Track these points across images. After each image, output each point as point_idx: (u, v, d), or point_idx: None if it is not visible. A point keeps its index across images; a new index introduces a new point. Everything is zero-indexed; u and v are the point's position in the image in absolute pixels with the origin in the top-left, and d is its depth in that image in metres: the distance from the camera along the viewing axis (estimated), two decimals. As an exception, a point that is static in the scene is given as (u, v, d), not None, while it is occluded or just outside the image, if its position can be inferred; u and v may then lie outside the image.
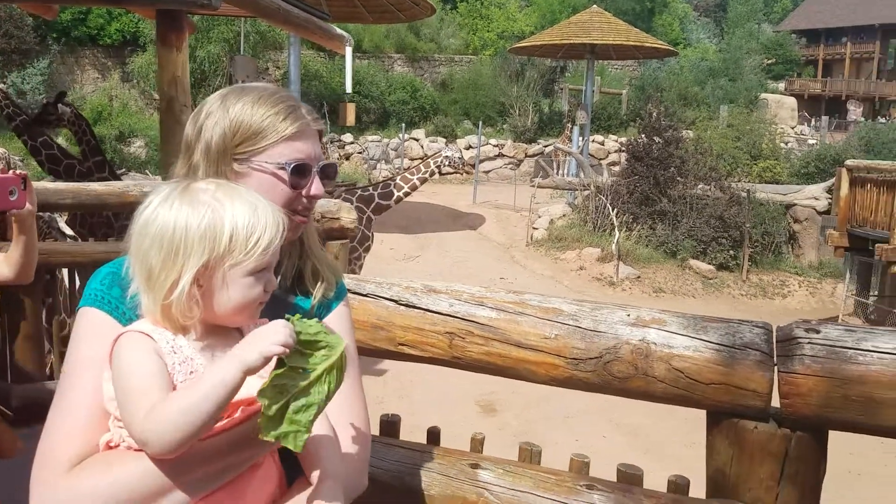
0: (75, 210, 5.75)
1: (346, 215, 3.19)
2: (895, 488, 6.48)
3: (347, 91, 11.66)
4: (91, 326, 1.15)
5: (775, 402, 1.41)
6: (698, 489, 1.54)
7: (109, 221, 7.71)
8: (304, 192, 1.23)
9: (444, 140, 27.06)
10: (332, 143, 25.50)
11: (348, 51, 9.43)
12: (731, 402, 1.42)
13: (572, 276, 14.26)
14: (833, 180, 15.06)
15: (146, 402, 0.98)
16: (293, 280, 1.32)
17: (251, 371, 0.97)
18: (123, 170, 16.86)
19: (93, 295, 1.18)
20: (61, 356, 3.72)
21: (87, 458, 1.07)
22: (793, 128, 31.75)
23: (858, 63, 39.79)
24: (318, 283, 1.33)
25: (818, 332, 1.37)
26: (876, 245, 12.58)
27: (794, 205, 16.68)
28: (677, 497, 1.49)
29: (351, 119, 14.06)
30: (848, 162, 14.27)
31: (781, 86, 37.20)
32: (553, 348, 1.57)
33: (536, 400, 7.79)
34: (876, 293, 14.67)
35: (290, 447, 0.98)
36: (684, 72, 32.22)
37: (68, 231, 4.01)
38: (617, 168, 21.26)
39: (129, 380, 1.01)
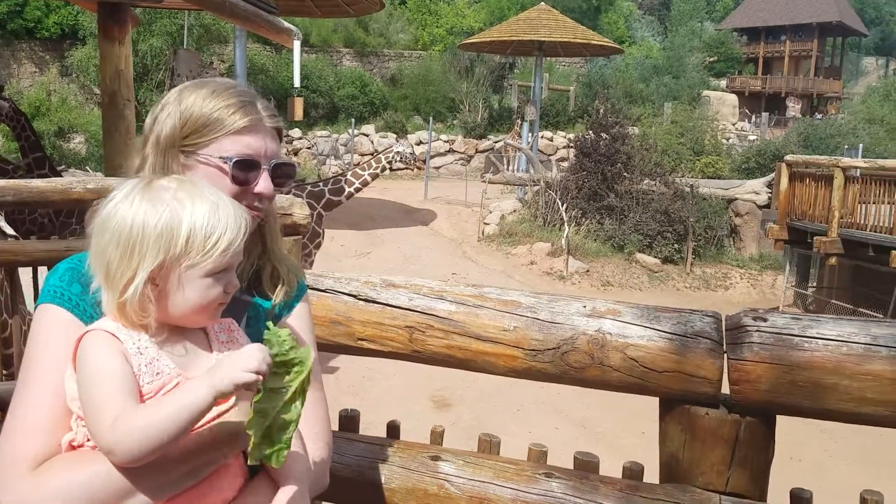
0: (15, 207, 5.57)
1: (299, 211, 3.16)
2: (832, 473, 6.76)
3: (295, 85, 11.52)
4: (51, 324, 1.13)
5: (726, 388, 1.47)
6: (651, 476, 1.59)
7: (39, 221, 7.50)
8: (252, 189, 1.20)
9: (395, 135, 26.98)
10: (280, 138, 25.13)
11: (296, 45, 9.31)
12: (683, 390, 1.46)
13: (523, 270, 14.41)
14: (773, 175, 15.55)
15: (111, 410, 0.97)
16: (250, 280, 1.30)
17: (222, 396, 0.96)
18: (63, 167, 16.32)
19: (52, 291, 1.15)
20: (3, 357, 3.59)
21: (52, 458, 1.05)
22: (734, 124, 32.67)
23: (797, 60, 41.15)
24: (279, 286, 1.31)
25: (765, 320, 1.42)
26: (814, 238, 13.05)
27: (736, 199, 17.18)
28: (632, 483, 1.53)
29: (299, 114, 13.90)
30: (787, 157, 14.74)
31: (723, 83, 38.24)
32: (512, 340, 1.59)
33: (489, 393, 7.86)
34: (814, 285, 15.24)
35: (273, 465, 1.00)
36: (630, 69, 32.83)
37: (9, 231, 3.88)
38: (566, 164, 21.54)
39: (95, 384, 0.99)
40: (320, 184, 9.46)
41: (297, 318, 1.33)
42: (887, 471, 6.95)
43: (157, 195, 1.04)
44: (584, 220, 16.04)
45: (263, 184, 1.21)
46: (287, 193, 3.19)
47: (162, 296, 1.04)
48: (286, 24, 8.79)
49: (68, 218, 7.78)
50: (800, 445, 6.87)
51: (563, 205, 15.67)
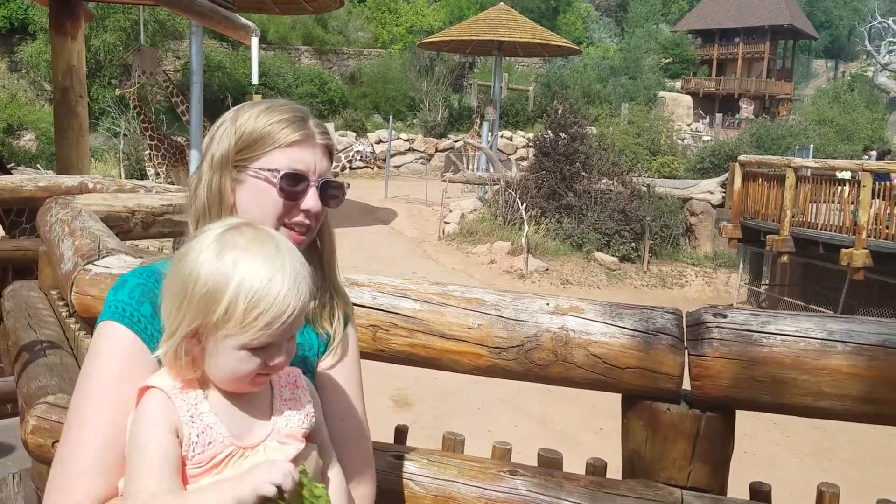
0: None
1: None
2: (784, 466, 6.94)
3: (253, 83, 11.35)
4: (116, 347, 1.07)
5: (687, 384, 1.48)
6: (613, 472, 1.60)
7: None
8: (299, 205, 1.18)
9: (355, 134, 26.81)
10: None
11: (254, 41, 9.17)
12: (646, 386, 1.48)
13: (483, 269, 14.47)
14: (727, 175, 15.89)
15: (146, 486, 0.95)
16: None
17: None
18: (13, 164, 15.83)
19: (119, 309, 1.09)
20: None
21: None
22: (689, 125, 33.32)
23: (750, 63, 42.11)
24: (334, 322, 1.28)
25: (725, 316, 1.44)
26: (767, 236, 13.39)
27: (691, 198, 17.52)
28: (596, 479, 1.54)
29: (257, 112, 13.68)
30: (740, 157, 15.09)
31: (678, 84, 38.95)
32: (476, 338, 1.59)
33: (449, 392, 7.87)
34: (767, 282, 15.63)
35: None
36: (587, 70, 33.20)
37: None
38: (525, 163, 21.70)
39: (138, 451, 0.97)
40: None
41: (346, 345, 1.31)
42: (835, 463, 7.17)
43: (224, 251, 0.98)
44: (543, 219, 16.18)
45: (311, 200, 1.18)
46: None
47: (200, 357, 0.99)
48: (243, 21, 8.66)
49: (18, 217, 7.53)
50: (752, 439, 7.04)
51: (522, 204, 15.78)
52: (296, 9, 13.92)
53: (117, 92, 17.44)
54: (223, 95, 23.79)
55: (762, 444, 7.29)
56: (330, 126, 27.29)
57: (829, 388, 1.39)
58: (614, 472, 1.60)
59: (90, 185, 4.69)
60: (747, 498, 1.55)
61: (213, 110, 23.34)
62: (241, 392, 1.03)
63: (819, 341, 1.39)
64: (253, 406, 1.04)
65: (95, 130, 20.39)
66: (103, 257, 2.16)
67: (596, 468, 1.62)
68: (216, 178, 1.17)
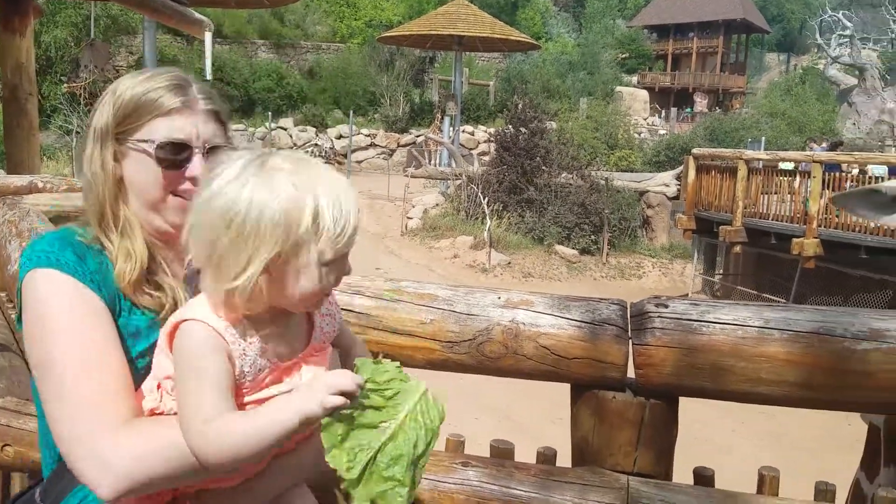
0: None
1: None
2: (738, 452, 7.12)
3: (207, 78, 11.18)
4: (63, 291, 1.07)
5: (632, 373, 1.53)
6: (564, 460, 1.64)
7: None
8: (184, 173, 1.15)
9: (314, 129, 26.62)
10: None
11: (208, 36, 9.04)
12: (593, 375, 1.52)
13: (446, 263, 14.51)
14: (681, 168, 16.19)
15: (206, 409, 0.96)
16: None
17: (311, 422, 0.93)
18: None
19: (44, 257, 1.08)
20: None
21: (134, 421, 1.03)
22: (645, 119, 33.81)
23: (704, 57, 42.86)
24: None
25: (667, 306, 1.49)
26: (720, 227, 13.68)
27: (647, 191, 17.82)
28: (546, 467, 1.58)
29: (213, 107, 13.49)
30: (694, 150, 15.38)
31: (634, 79, 39.47)
32: (429, 333, 1.61)
33: (414, 387, 7.89)
34: (721, 272, 15.98)
35: None
36: (546, 65, 33.44)
37: None
38: (487, 158, 21.78)
39: (194, 378, 0.97)
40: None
41: None
42: (787, 448, 7.38)
43: (274, 177, 0.95)
44: (505, 213, 16.28)
45: (196, 167, 1.15)
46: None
47: (274, 285, 0.97)
48: (197, 15, 8.52)
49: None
50: (706, 426, 7.21)
51: (484, 198, 15.85)
52: (251, 2, 13.72)
53: (65, 87, 17.04)
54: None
55: (716, 431, 7.47)
56: (288, 121, 27.04)
57: (767, 374, 1.45)
58: (566, 460, 1.65)
59: (40, 185, 4.58)
60: (692, 483, 1.60)
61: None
62: (304, 311, 1.05)
63: (756, 329, 1.45)
64: (292, 324, 1.05)
65: (47, 129, 19.87)
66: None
67: (546, 457, 1.66)
68: (97, 152, 1.16)
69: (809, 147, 16.34)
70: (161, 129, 1.14)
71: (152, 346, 1.11)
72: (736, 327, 1.45)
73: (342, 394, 0.91)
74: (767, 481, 1.62)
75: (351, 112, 25.19)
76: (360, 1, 32.73)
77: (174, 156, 1.14)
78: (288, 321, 1.04)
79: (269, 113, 26.01)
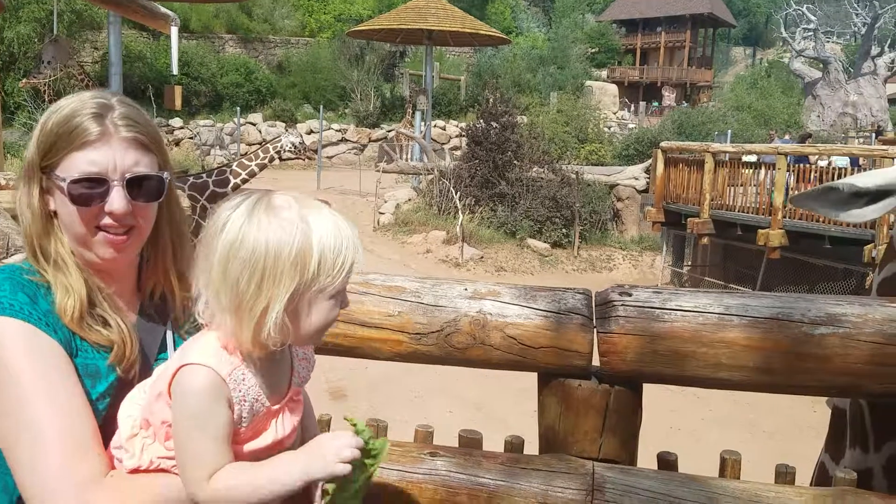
0: None
1: (180, 203, 3.06)
2: (707, 438, 7.24)
3: (174, 73, 11.04)
4: (18, 340, 1.04)
5: (597, 361, 1.56)
6: (532, 448, 1.66)
7: None
8: (103, 207, 1.10)
9: (284, 124, 26.36)
10: (158, 127, 24.12)
11: (174, 31, 8.93)
12: (559, 364, 1.54)
13: (419, 259, 14.51)
14: (650, 161, 16.37)
15: (210, 461, 0.99)
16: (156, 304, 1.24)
17: (312, 481, 1.00)
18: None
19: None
20: None
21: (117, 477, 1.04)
22: (615, 113, 34.09)
23: (672, 51, 43.36)
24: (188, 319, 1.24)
25: (630, 294, 1.52)
26: (688, 219, 13.86)
27: (617, 184, 17.98)
28: (513, 455, 1.60)
29: (178, 102, 13.33)
30: (662, 144, 15.55)
31: (604, 73, 39.82)
32: (397, 325, 1.62)
33: (385, 382, 7.89)
34: (689, 263, 16.20)
35: None
36: (517, 59, 33.54)
37: None
38: (458, 152, 21.79)
39: (197, 428, 0.99)
40: (203, 175, 9.12)
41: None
42: (756, 435, 7.52)
43: (283, 216, 1.00)
44: (477, 207, 16.32)
45: (116, 202, 1.09)
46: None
47: (293, 319, 1.01)
48: (163, 10, 8.42)
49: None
50: (678, 415, 7.32)
51: (456, 193, 15.87)
52: (218, -3, 13.58)
53: (23, 83, 16.70)
54: (144, 86, 23.06)
55: (687, 419, 7.59)
56: (257, 116, 26.77)
57: (727, 359, 1.48)
58: (534, 448, 1.67)
59: (2, 182, 4.50)
60: (656, 468, 1.63)
61: (134, 101, 22.58)
62: (310, 345, 1.12)
63: (717, 315, 1.48)
64: (281, 364, 1.09)
65: (11, 125, 19.48)
66: (12, 255, 2.10)
67: (514, 445, 1.68)
68: (24, 189, 1.12)
69: (771, 139, 16.62)
70: (77, 164, 1.09)
71: (111, 387, 1.10)
72: (697, 314, 1.48)
73: (344, 462, 0.99)
74: (729, 464, 1.66)
75: (321, 107, 25.02)
76: (329, -5, 32.52)
77: (89, 191, 1.09)
78: (278, 364, 1.08)
79: (238, 108, 25.73)
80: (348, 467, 0.98)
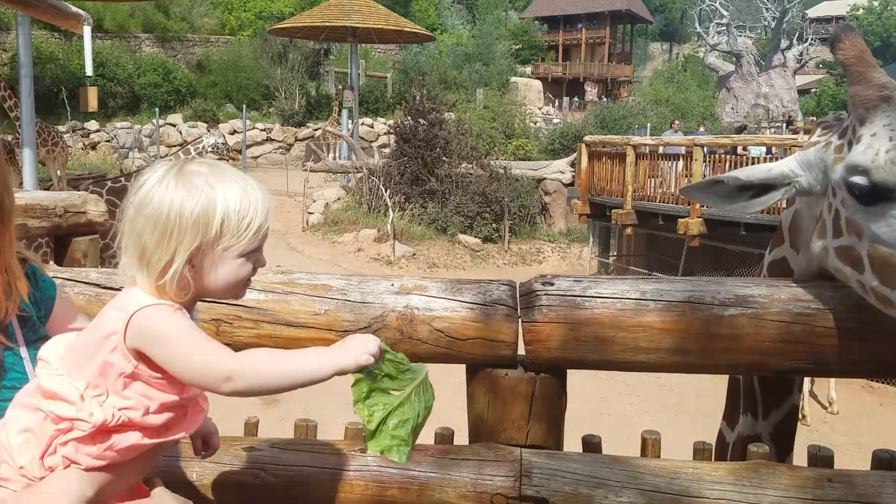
0: None
1: (94, 208, 2.96)
2: (635, 423, 7.47)
3: (88, 74, 10.61)
4: None
5: (522, 350, 1.59)
6: (463, 438, 1.69)
7: None
8: None
9: (206, 125, 25.66)
10: (73, 131, 23.07)
11: (86, 30, 8.57)
12: (486, 354, 1.57)
13: (350, 258, 14.40)
14: (575, 155, 16.71)
15: (216, 346, 1.08)
16: None
17: (342, 373, 1.08)
18: None
19: None
20: None
21: None
22: (540, 108, 34.63)
23: (593, 47, 44.32)
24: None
25: (552, 284, 1.56)
26: (612, 211, 14.22)
27: (544, 179, 18.29)
28: (443, 446, 1.62)
29: (93, 104, 12.77)
30: (586, 138, 15.90)
31: (528, 69, 40.37)
32: (324, 323, 1.62)
33: (320, 387, 7.80)
34: (615, 254, 16.63)
35: (396, 459, 1.12)
36: (443, 56, 33.66)
37: None
38: (387, 150, 21.72)
39: (185, 333, 1.07)
40: (122, 179, 8.81)
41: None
42: (682, 418, 7.80)
43: (191, 180, 1.08)
44: (407, 204, 16.31)
45: None
46: (78, 188, 3.00)
47: (198, 276, 1.10)
48: (74, 9, 8.08)
49: None
50: (608, 401, 7.51)
51: (386, 191, 15.82)
52: (132, -6, 13.11)
53: None
54: (57, 88, 22.09)
55: (617, 405, 7.80)
56: (177, 117, 26.00)
57: (645, 342, 1.54)
58: (464, 438, 1.69)
59: None
60: (581, 451, 1.68)
61: (46, 105, 21.55)
62: (231, 298, 1.21)
63: (634, 301, 1.54)
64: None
65: None
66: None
67: (444, 437, 1.70)
68: None
69: (672, 130, 17.19)
70: None
71: None
72: (615, 300, 1.53)
73: (370, 355, 1.08)
74: (650, 444, 1.72)
75: (244, 106, 24.51)
76: (249, -8, 31.83)
77: None
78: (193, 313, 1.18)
79: (157, 109, 24.93)
80: (372, 358, 1.07)
